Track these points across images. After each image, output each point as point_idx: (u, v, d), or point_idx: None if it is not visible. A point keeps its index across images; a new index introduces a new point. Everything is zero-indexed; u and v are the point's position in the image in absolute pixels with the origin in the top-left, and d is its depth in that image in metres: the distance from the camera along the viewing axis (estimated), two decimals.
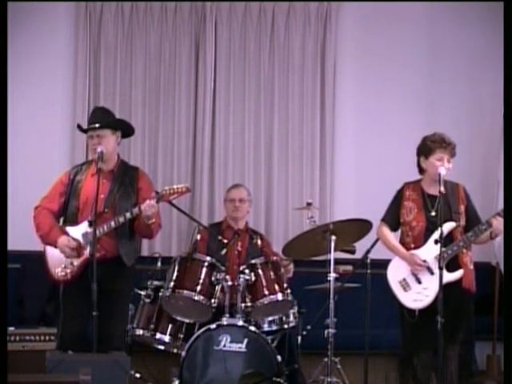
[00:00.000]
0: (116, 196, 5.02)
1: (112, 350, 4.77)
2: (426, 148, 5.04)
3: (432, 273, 4.92)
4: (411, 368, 5.00)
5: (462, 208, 5.04)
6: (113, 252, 5.01)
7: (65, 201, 5.05)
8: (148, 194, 5.04)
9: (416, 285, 4.97)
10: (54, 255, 4.97)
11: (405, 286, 4.98)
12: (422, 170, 5.12)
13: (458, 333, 4.90)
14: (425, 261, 4.94)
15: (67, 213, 5.04)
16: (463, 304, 4.96)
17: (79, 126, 5.21)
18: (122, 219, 4.94)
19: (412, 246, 5.02)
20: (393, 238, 5.11)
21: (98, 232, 4.85)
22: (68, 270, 4.91)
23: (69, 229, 5.01)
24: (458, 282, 4.90)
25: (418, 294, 4.93)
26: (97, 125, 5.07)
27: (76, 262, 4.92)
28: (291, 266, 5.62)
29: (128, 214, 4.95)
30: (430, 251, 4.94)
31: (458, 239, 4.93)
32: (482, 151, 7.11)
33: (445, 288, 4.68)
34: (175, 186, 5.07)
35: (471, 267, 5.01)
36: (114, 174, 5.09)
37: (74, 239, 4.94)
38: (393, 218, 5.11)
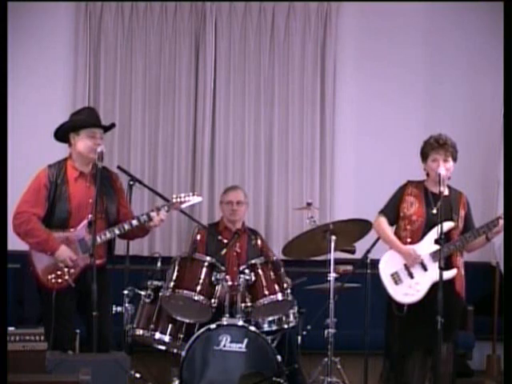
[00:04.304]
0: (103, 199, 4.93)
1: (110, 350, 4.78)
2: (424, 152, 5.06)
3: (425, 269, 4.94)
4: (401, 367, 5.00)
5: (463, 213, 5.05)
6: (104, 256, 5.00)
7: (48, 205, 4.88)
8: (124, 194, 5.09)
9: (408, 279, 4.97)
10: (42, 261, 4.84)
11: (396, 279, 4.98)
12: (427, 174, 5.13)
13: (451, 331, 4.91)
14: (419, 256, 4.94)
15: (54, 218, 4.87)
16: (454, 304, 4.96)
17: (99, 125, 5.04)
18: (127, 226, 4.91)
19: (408, 240, 5.01)
20: (390, 231, 5.10)
21: (99, 238, 4.82)
22: (65, 277, 4.81)
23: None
24: (451, 283, 4.91)
25: (409, 289, 4.93)
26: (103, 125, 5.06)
27: (73, 270, 4.84)
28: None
29: (134, 222, 4.92)
30: (425, 247, 4.95)
31: (456, 239, 4.94)
32: (482, 151, 7.11)
33: (437, 286, 4.69)
34: (183, 195, 5.11)
35: (463, 272, 5.02)
36: (94, 176, 4.93)
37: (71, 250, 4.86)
38: (392, 212, 5.10)
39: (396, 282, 4.98)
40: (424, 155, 5.05)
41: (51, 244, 4.83)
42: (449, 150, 4.99)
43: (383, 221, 5.11)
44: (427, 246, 4.95)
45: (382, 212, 5.13)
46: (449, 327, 4.81)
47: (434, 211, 4.97)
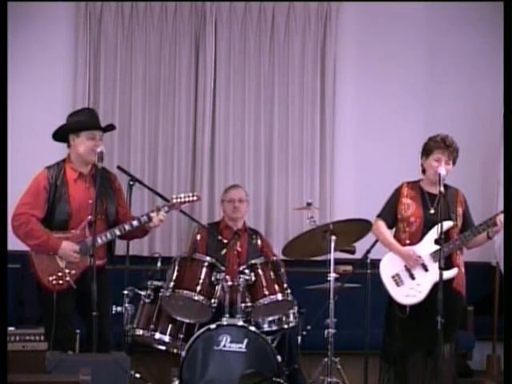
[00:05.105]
0: (103, 200, 4.93)
1: (110, 350, 4.78)
2: (427, 148, 5.05)
3: (426, 269, 4.94)
4: (401, 368, 5.00)
5: (460, 211, 5.05)
6: (104, 257, 5.01)
7: (48, 207, 4.86)
8: (123, 195, 5.08)
9: (409, 280, 4.97)
10: (43, 263, 4.83)
11: (398, 281, 4.98)
12: (424, 170, 5.12)
13: (451, 333, 4.91)
14: (420, 257, 4.95)
15: (54, 220, 4.86)
16: (454, 303, 4.96)
17: (100, 127, 5.04)
18: (127, 227, 4.92)
19: (407, 242, 5.01)
20: (389, 234, 5.11)
21: (100, 240, 4.83)
22: (66, 278, 4.80)
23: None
24: (451, 282, 4.91)
25: (410, 290, 4.94)
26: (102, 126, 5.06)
27: (73, 271, 4.84)
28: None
29: (135, 223, 4.93)
30: (425, 248, 4.95)
31: (455, 238, 4.94)
32: (482, 152, 7.12)
33: (437, 286, 4.68)
34: (183, 195, 5.12)
35: (463, 270, 5.02)
36: (93, 177, 4.93)
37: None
38: (389, 215, 5.11)
39: (397, 284, 4.98)
40: (427, 152, 5.03)
41: (52, 244, 4.82)
42: (453, 153, 5.00)
43: (381, 224, 5.11)
44: (427, 246, 4.95)
45: (380, 216, 5.14)
46: (450, 327, 4.81)
47: (432, 211, 4.98)
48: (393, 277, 5.00)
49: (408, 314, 4.91)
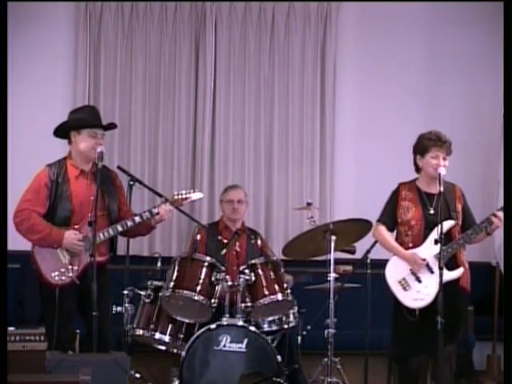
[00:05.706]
0: (105, 197, 4.95)
1: (110, 349, 4.78)
2: (422, 146, 5.02)
3: (432, 271, 4.92)
4: (407, 368, 4.99)
5: (459, 207, 5.04)
6: (106, 254, 5.02)
7: (50, 204, 4.88)
8: (124, 192, 5.09)
9: (416, 284, 4.95)
10: (45, 259, 4.83)
11: (405, 285, 4.97)
12: (418, 169, 5.11)
13: (457, 332, 4.90)
14: (424, 259, 4.94)
15: (57, 217, 4.87)
16: (461, 303, 4.96)
17: (101, 125, 5.05)
18: (130, 223, 4.93)
19: (410, 245, 5.00)
20: (391, 238, 5.09)
21: (102, 235, 4.84)
22: (69, 274, 4.81)
23: None
24: (456, 280, 4.91)
25: (418, 293, 4.92)
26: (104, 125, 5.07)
27: (76, 267, 4.84)
28: (290, 278, 5.56)
29: (137, 218, 4.94)
30: (429, 250, 4.94)
31: (458, 237, 4.93)
32: (482, 151, 7.11)
33: (443, 287, 4.67)
34: (184, 192, 5.14)
35: (467, 266, 5.02)
36: (94, 174, 4.94)
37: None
38: (389, 219, 5.09)
39: (404, 289, 4.95)
40: (422, 150, 5.01)
41: (55, 236, 4.83)
42: (449, 148, 5.00)
43: (383, 229, 5.09)
44: (430, 247, 4.92)
45: (380, 220, 5.12)
46: (456, 326, 4.81)
47: (432, 211, 4.97)
48: (399, 282, 4.97)
49: (418, 317, 4.88)
